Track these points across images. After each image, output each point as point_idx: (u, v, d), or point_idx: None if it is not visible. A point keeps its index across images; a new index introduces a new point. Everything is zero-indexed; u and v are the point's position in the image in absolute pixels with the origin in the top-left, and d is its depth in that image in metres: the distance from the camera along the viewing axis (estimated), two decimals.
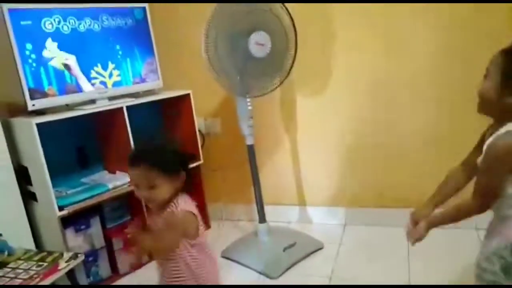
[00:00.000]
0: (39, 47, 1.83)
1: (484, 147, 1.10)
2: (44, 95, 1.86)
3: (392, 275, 1.81)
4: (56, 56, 1.90)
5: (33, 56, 1.81)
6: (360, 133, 2.20)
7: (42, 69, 1.85)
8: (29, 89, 1.81)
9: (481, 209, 1.10)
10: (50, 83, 1.88)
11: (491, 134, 1.11)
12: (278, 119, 2.38)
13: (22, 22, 1.78)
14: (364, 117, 2.16)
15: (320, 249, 2.11)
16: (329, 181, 2.36)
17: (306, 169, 2.40)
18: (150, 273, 2.11)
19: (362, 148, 2.22)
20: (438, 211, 1.24)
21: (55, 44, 1.89)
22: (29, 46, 1.80)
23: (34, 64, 1.82)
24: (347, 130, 2.23)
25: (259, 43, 1.84)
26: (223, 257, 2.16)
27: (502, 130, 1.06)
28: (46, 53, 1.87)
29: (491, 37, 1.80)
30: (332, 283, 1.81)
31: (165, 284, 1.31)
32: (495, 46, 1.10)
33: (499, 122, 1.09)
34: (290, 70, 1.97)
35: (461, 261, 1.80)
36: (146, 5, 2.21)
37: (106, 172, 2.25)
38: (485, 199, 1.09)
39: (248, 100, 1.96)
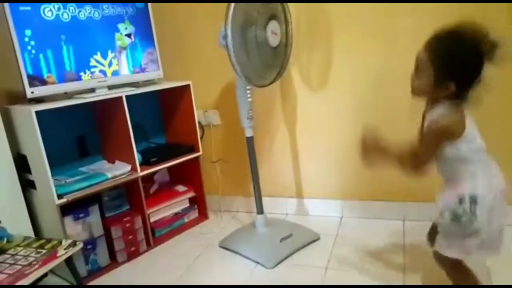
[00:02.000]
0: (39, 34, 1.82)
1: (425, 125, 1.32)
2: (44, 82, 1.86)
3: (388, 268, 1.82)
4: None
5: (32, 43, 1.81)
6: (359, 127, 2.19)
7: (41, 56, 1.84)
8: (28, 76, 1.81)
9: (414, 165, 1.31)
10: (49, 71, 1.87)
11: (424, 113, 1.35)
12: (277, 112, 2.38)
13: (21, 8, 1.77)
14: (364, 111, 2.16)
15: (317, 240, 2.12)
16: (326, 174, 2.37)
17: (304, 162, 2.41)
18: (148, 261, 2.14)
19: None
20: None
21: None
22: (28, 32, 1.79)
23: (33, 51, 1.81)
24: (345, 123, 2.24)
25: (273, 32, 1.85)
26: (221, 247, 2.18)
27: (435, 111, 1.28)
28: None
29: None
30: (328, 274, 1.83)
31: None
32: None
33: (430, 105, 1.32)
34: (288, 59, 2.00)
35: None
36: None
37: (105, 161, 2.26)
38: (420, 161, 1.30)
39: (248, 92, 1.96)
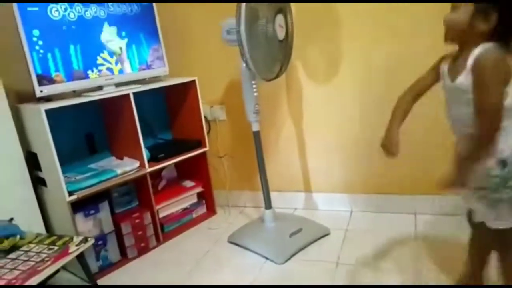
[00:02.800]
0: (46, 33, 1.84)
1: (466, 70, 1.14)
2: (52, 81, 1.88)
3: (399, 261, 1.82)
4: (113, 40, 2.04)
5: (40, 42, 1.82)
6: (367, 120, 2.20)
7: (49, 55, 1.86)
8: (37, 76, 1.82)
9: (494, 130, 1.12)
10: (57, 70, 1.89)
11: (455, 59, 1.22)
12: (284, 106, 2.39)
13: (28, 9, 1.78)
14: (372, 105, 2.16)
15: (327, 235, 2.13)
16: (335, 168, 2.37)
17: (312, 156, 2.41)
18: (157, 257, 2.16)
19: (369, 136, 2.21)
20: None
21: (114, 29, 2.01)
22: (36, 32, 1.81)
23: (41, 51, 1.83)
24: (354, 117, 2.24)
25: (280, 25, 1.87)
26: (230, 242, 2.20)
27: (479, 49, 1.12)
28: (103, 36, 1.97)
29: None
30: (339, 269, 1.83)
31: None
32: None
33: (467, 47, 1.16)
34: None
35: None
36: None
37: (113, 158, 2.28)
38: (495, 118, 1.12)
39: (254, 86, 1.97)
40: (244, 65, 1.87)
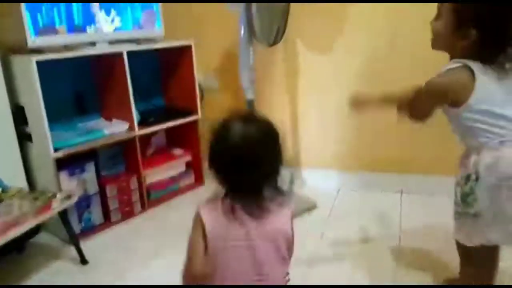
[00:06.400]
0: None
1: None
2: (56, 32, 1.84)
3: (383, 239, 1.83)
4: None
5: None
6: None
7: (55, 9, 1.84)
8: (43, 26, 1.79)
9: (410, 115, 1.23)
10: (61, 22, 1.86)
11: None
12: (279, 77, 2.36)
13: None
14: (365, 81, 2.14)
15: (313, 209, 2.12)
16: (325, 144, 2.36)
17: (303, 130, 2.40)
18: (141, 223, 2.14)
19: (359, 115, 2.22)
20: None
21: None
22: None
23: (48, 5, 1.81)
24: (347, 93, 2.21)
25: None
26: None
27: (445, 67, 1.14)
28: None
29: None
30: (323, 243, 1.83)
31: None
32: None
33: (452, 57, 1.17)
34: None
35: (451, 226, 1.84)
36: None
37: (102, 119, 2.23)
38: (413, 115, 1.23)
39: (251, 53, 1.93)
40: (243, 30, 1.83)
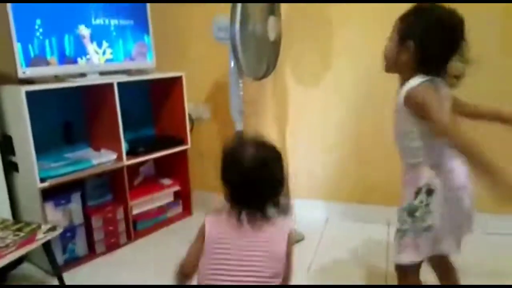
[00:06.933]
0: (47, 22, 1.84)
1: (399, 101, 1.21)
2: (47, 63, 1.86)
3: (370, 273, 1.82)
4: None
5: (41, 30, 1.83)
6: (348, 130, 2.22)
7: (47, 41, 1.86)
8: (34, 57, 1.81)
9: (461, 135, 1.10)
10: (52, 53, 1.88)
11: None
12: (269, 108, 2.39)
13: None
14: (354, 113, 2.18)
15: (301, 240, 2.11)
16: (314, 174, 2.37)
17: (292, 161, 2.40)
18: (126, 255, 2.10)
19: (349, 144, 2.24)
20: None
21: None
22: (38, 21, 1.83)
23: (41, 36, 1.83)
24: (335, 125, 2.26)
25: (271, 27, 1.89)
26: None
27: (407, 86, 1.18)
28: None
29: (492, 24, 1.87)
30: (310, 274, 1.82)
31: None
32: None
33: (404, 79, 1.22)
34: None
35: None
36: None
37: (91, 149, 2.23)
38: (451, 127, 1.12)
39: (240, 85, 1.96)
40: (233, 63, 1.86)
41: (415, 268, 1.28)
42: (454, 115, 1.26)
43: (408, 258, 1.24)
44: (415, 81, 1.18)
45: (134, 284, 1.74)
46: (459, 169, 1.19)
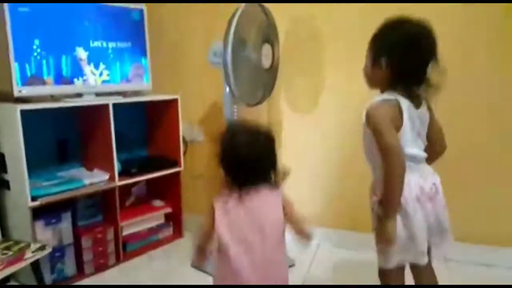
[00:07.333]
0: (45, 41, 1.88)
1: (362, 118, 1.26)
2: (43, 82, 1.89)
3: None
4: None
5: (38, 50, 1.87)
6: (343, 153, 2.24)
7: (44, 61, 1.89)
8: (30, 76, 1.84)
9: (399, 166, 1.17)
10: (49, 73, 1.91)
11: None
12: None
13: (20, 9, 1.80)
14: (346, 143, 2.20)
15: (291, 266, 2.10)
16: (305, 201, 2.36)
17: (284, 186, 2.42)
18: (115, 276, 2.09)
19: (344, 170, 2.26)
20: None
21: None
22: (36, 41, 1.86)
23: (38, 57, 1.87)
24: (329, 150, 2.28)
25: (266, 55, 1.93)
26: (193, 266, 2.14)
27: (373, 100, 1.25)
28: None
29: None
30: None
31: None
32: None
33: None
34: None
35: None
36: (143, 6, 2.25)
37: (84, 168, 2.23)
38: (394, 154, 1.17)
39: (235, 110, 1.99)
40: (228, 88, 1.89)
41: (395, 273, 1.34)
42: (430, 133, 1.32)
43: (379, 263, 1.34)
44: (376, 99, 1.24)
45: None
46: (414, 182, 1.24)
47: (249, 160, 1.21)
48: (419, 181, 1.25)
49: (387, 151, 1.17)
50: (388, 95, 1.24)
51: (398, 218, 1.22)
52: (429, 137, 1.32)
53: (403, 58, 1.21)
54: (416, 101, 1.25)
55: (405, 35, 1.21)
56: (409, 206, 1.22)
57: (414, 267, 1.37)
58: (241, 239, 1.19)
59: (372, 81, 1.31)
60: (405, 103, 1.22)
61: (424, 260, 1.28)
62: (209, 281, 1.96)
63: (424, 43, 1.19)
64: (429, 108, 1.32)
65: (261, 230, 1.19)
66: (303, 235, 1.28)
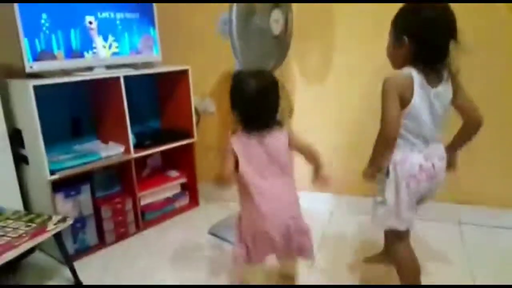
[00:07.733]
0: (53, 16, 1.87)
1: None
2: (53, 57, 1.89)
3: (373, 267, 1.82)
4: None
5: (47, 24, 1.85)
6: (353, 122, 2.23)
7: (53, 36, 1.89)
8: (41, 51, 1.84)
9: (386, 136, 1.30)
10: (59, 47, 1.91)
11: None
12: None
13: None
14: (360, 106, 2.18)
15: None
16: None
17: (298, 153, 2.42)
18: (136, 244, 2.15)
19: (355, 137, 2.25)
20: None
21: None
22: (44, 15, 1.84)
23: (47, 31, 1.86)
24: (342, 118, 2.26)
25: (276, 21, 1.89)
26: (210, 233, 2.19)
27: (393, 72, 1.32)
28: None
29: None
30: (312, 271, 1.80)
31: None
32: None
33: None
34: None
35: (443, 255, 1.86)
36: None
37: (99, 141, 2.27)
38: (387, 127, 1.28)
39: None
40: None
41: (399, 235, 1.44)
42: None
43: (376, 224, 1.47)
44: (396, 72, 1.31)
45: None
46: (415, 161, 1.32)
47: (258, 98, 1.34)
48: (420, 161, 1.32)
49: (382, 117, 1.28)
50: (405, 70, 1.28)
51: (391, 185, 1.34)
52: (460, 112, 1.36)
53: (422, 36, 1.24)
54: (435, 79, 1.27)
55: (424, 14, 1.24)
56: (403, 181, 1.32)
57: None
58: (261, 171, 1.37)
59: (395, 60, 1.35)
60: (417, 78, 1.25)
61: (404, 226, 1.40)
62: (226, 246, 2.04)
63: (442, 20, 1.22)
64: (455, 84, 1.32)
65: (277, 162, 1.38)
66: (316, 162, 1.53)
